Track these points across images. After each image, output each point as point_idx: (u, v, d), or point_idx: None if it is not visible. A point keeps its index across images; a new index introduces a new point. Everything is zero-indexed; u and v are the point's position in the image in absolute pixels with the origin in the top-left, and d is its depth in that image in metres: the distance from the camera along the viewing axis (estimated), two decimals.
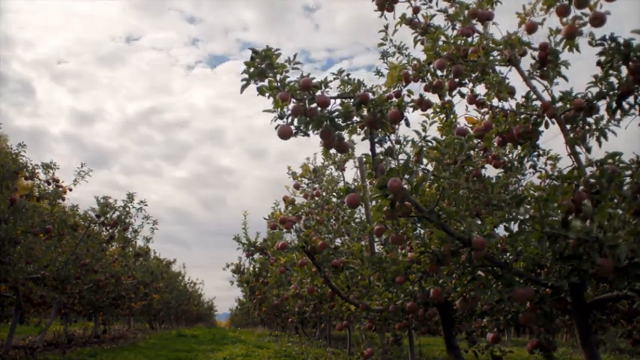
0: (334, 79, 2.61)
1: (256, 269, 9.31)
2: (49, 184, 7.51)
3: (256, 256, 6.85)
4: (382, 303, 4.26)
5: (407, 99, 3.23)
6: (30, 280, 7.43)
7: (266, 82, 2.43)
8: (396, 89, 3.46)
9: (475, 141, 3.17)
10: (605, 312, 5.13)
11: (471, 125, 3.32)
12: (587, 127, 2.82)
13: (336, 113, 2.48)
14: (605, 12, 2.60)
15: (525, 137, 3.04)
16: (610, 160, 2.36)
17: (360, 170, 6.63)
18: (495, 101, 3.17)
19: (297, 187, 6.16)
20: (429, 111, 3.26)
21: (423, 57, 3.36)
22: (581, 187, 2.28)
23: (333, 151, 3.46)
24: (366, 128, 2.63)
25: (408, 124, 2.62)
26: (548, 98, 2.92)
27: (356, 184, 6.27)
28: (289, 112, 2.44)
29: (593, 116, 2.81)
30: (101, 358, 8.27)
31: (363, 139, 2.66)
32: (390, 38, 3.65)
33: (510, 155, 3.48)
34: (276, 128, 2.43)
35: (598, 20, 2.61)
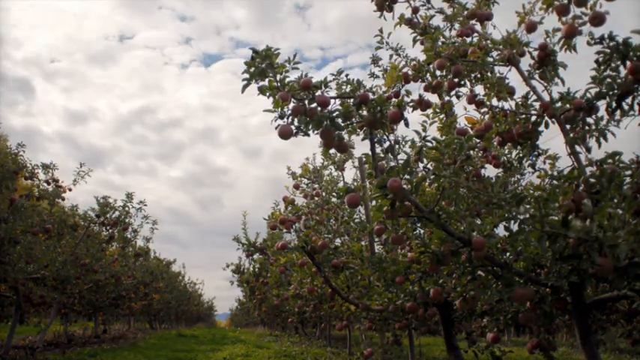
0: (334, 79, 2.61)
1: (256, 269, 9.31)
2: (48, 184, 7.51)
3: (256, 256, 6.85)
4: (382, 303, 4.26)
5: (406, 99, 3.23)
6: (30, 280, 7.43)
7: (266, 82, 2.43)
8: (395, 89, 3.47)
9: (475, 141, 3.17)
10: (605, 312, 5.12)
11: (470, 125, 3.32)
12: (586, 127, 2.82)
13: (336, 113, 2.48)
14: (605, 11, 2.60)
15: (525, 137, 3.04)
16: (610, 160, 2.36)
17: (360, 170, 6.63)
18: (495, 101, 3.17)
19: (296, 187, 6.16)
20: (429, 111, 3.27)
21: (420, 57, 3.37)
22: (581, 187, 2.28)
23: (332, 151, 3.46)
24: (365, 128, 2.63)
25: (407, 125, 2.62)
26: (547, 98, 2.92)
27: (356, 184, 6.27)
28: (289, 112, 2.44)
29: (593, 116, 2.81)
30: (101, 358, 8.27)
31: (362, 139, 2.67)
32: (386, 40, 3.66)
33: (510, 155, 3.48)
34: (276, 128, 2.43)
35: (598, 20, 2.60)
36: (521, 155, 3.36)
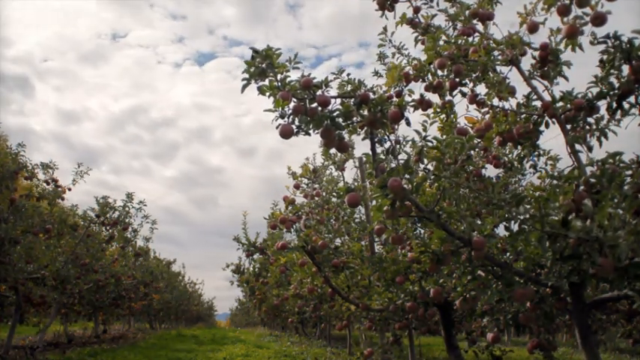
0: (335, 78, 2.61)
1: (256, 269, 9.31)
2: (48, 184, 7.51)
3: (256, 256, 6.85)
4: (382, 303, 4.26)
5: (407, 99, 3.24)
6: (30, 280, 7.43)
7: (267, 82, 2.43)
8: (396, 89, 3.47)
9: (475, 141, 3.17)
10: (605, 312, 5.13)
11: (471, 125, 3.32)
12: (587, 127, 2.82)
13: (337, 113, 2.48)
14: (607, 11, 2.60)
15: (526, 137, 3.04)
16: (610, 160, 2.36)
17: (360, 170, 6.63)
18: (496, 101, 3.17)
19: (297, 187, 6.16)
20: (430, 111, 3.27)
21: (421, 56, 3.37)
22: (582, 187, 2.28)
23: (333, 150, 3.46)
24: (366, 128, 2.62)
25: (408, 124, 2.62)
26: (548, 98, 2.92)
27: (356, 184, 6.27)
28: (290, 111, 2.44)
29: (594, 116, 2.81)
30: (101, 358, 8.27)
31: (363, 139, 2.66)
32: (390, 38, 3.65)
33: (511, 155, 3.48)
34: (277, 128, 2.43)
35: (599, 20, 2.60)
36: (522, 155, 3.36)
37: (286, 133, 2.43)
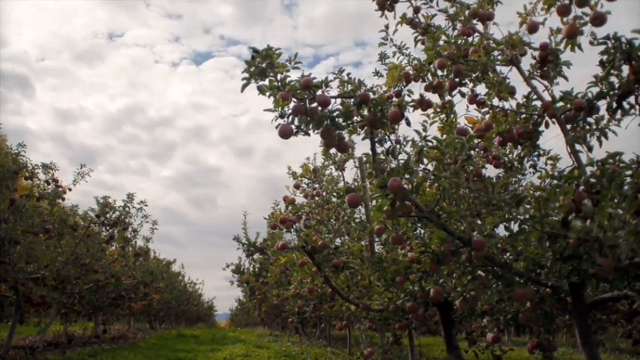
0: (335, 78, 2.61)
1: (256, 269, 9.31)
2: (48, 184, 7.51)
3: (256, 256, 6.85)
4: (382, 303, 4.26)
5: (407, 99, 3.24)
6: (30, 280, 7.42)
7: (267, 82, 2.43)
8: (396, 89, 3.46)
9: (475, 141, 3.17)
10: (605, 312, 5.13)
11: (471, 125, 3.33)
12: (587, 127, 2.82)
13: (337, 113, 2.48)
14: (606, 11, 2.60)
15: (526, 137, 3.04)
16: (610, 160, 2.36)
17: (360, 170, 6.63)
18: (496, 101, 3.17)
19: (297, 186, 6.16)
20: (430, 111, 3.27)
21: (421, 57, 3.37)
22: (582, 187, 2.28)
23: (333, 150, 3.46)
24: (366, 128, 2.63)
25: (408, 124, 2.62)
26: (548, 98, 2.92)
27: (356, 184, 6.26)
28: (290, 111, 2.44)
29: (594, 116, 2.81)
30: (101, 358, 8.27)
31: (363, 139, 2.67)
32: (391, 38, 3.65)
33: (510, 155, 3.48)
34: (277, 128, 2.43)
35: (599, 20, 2.60)
36: (522, 155, 3.36)
37: (286, 133, 2.43)
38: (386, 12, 3.32)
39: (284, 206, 5.85)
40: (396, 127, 2.75)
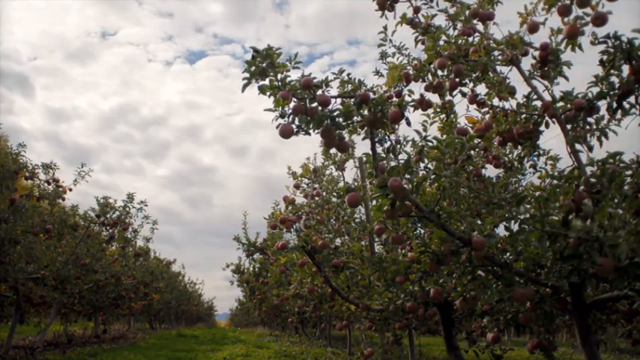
0: (335, 78, 2.61)
1: (256, 269, 9.31)
2: (48, 184, 7.52)
3: (256, 256, 6.85)
4: (382, 303, 4.26)
5: (407, 99, 3.24)
6: (30, 280, 7.43)
7: (267, 81, 2.43)
8: (396, 89, 3.47)
9: (475, 141, 3.17)
10: (605, 312, 5.12)
11: (471, 125, 3.33)
12: (587, 126, 2.82)
13: (337, 112, 2.48)
14: (607, 11, 2.60)
15: (526, 137, 3.04)
16: (611, 160, 2.36)
17: (360, 170, 6.63)
18: (496, 101, 3.17)
19: (297, 186, 6.16)
20: (430, 111, 3.27)
21: (421, 57, 3.37)
22: (582, 187, 2.28)
23: (333, 150, 3.46)
24: (366, 128, 2.63)
25: (409, 124, 2.62)
26: (548, 98, 2.92)
27: (356, 184, 6.27)
28: (290, 111, 2.44)
29: (594, 116, 2.81)
30: (101, 358, 8.27)
31: (363, 139, 2.67)
32: (390, 38, 3.65)
33: (511, 155, 3.48)
34: (277, 127, 2.43)
35: (600, 20, 2.60)
36: (522, 155, 3.36)
37: (286, 133, 2.43)
38: (386, 12, 3.32)
39: (284, 206, 5.85)
40: (396, 127, 2.75)
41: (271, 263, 6.07)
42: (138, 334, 17.17)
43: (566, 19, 2.75)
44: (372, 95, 2.54)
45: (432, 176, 2.53)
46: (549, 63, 2.97)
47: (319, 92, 2.47)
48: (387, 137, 2.67)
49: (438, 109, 3.36)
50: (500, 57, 3.08)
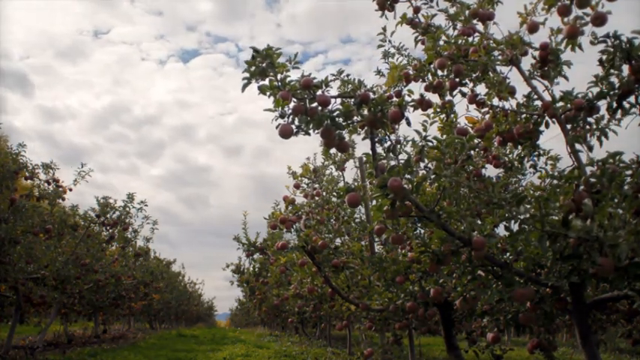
0: (335, 78, 2.61)
1: (256, 269, 9.31)
2: (49, 184, 7.52)
3: (256, 256, 6.85)
4: (382, 303, 4.26)
5: (407, 99, 3.24)
6: (30, 280, 7.43)
7: (267, 82, 2.43)
8: (396, 89, 3.47)
9: (475, 141, 3.17)
10: (605, 312, 5.12)
11: (471, 125, 3.33)
12: (587, 126, 2.82)
13: (337, 112, 2.48)
14: (607, 11, 2.60)
15: (526, 137, 3.04)
16: (611, 160, 2.36)
17: (360, 170, 6.63)
18: (496, 101, 3.17)
19: (297, 186, 6.16)
20: (430, 111, 3.27)
21: (420, 56, 3.37)
22: (582, 187, 2.28)
23: (333, 150, 3.46)
24: (366, 128, 2.63)
25: (409, 124, 2.62)
26: (548, 98, 2.92)
27: (356, 184, 6.27)
28: (290, 111, 2.44)
29: (594, 116, 2.81)
30: (101, 358, 8.27)
31: (363, 139, 2.67)
32: (389, 39, 3.66)
33: (510, 155, 3.48)
34: (277, 127, 2.43)
35: (599, 20, 2.60)
36: (522, 155, 3.36)
37: (286, 133, 2.43)
38: (386, 12, 3.32)
39: (284, 206, 5.85)
40: (396, 127, 2.75)
41: (271, 263, 6.08)
42: (138, 334, 17.17)
43: (565, 19, 2.75)
44: (372, 95, 2.54)
45: (432, 176, 2.53)
46: (549, 63, 2.97)
47: (319, 92, 2.47)
48: (387, 137, 2.67)
49: (438, 109, 3.36)
50: (500, 57, 3.08)
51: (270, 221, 5.79)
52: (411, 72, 3.41)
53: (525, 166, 3.53)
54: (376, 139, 2.65)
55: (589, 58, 2.78)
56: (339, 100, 2.55)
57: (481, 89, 3.26)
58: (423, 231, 3.30)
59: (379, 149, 2.66)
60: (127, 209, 8.70)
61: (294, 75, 2.46)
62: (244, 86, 2.44)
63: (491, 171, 5.23)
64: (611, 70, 2.63)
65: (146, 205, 9.01)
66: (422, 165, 2.64)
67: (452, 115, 3.36)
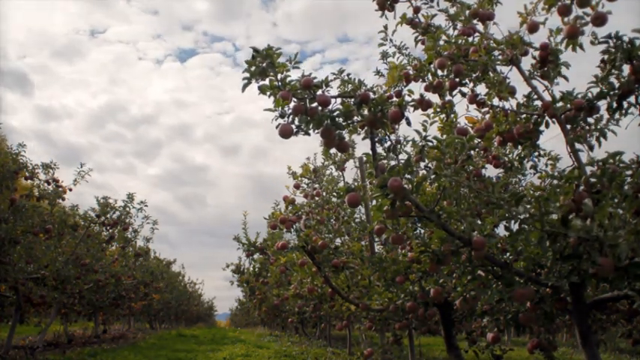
0: (335, 78, 2.61)
1: (256, 269, 9.31)
2: (48, 184, 7.51)
3: (256, 256, 6.85)
4: (382, 303, 4.26)
5: (407, 98, 3.24)
6: (30, 280, 7.42)
7: (267, 82, 2.43)
8: (396, 89, 3.47)
9: (475, 141, 3.17)
10: (605, 312, 5.12)
11: (471, 125, 3.33)
12: (587, 127, 2.82)
13: (337, 112, 2.48)
14: (607, 11, 2.60)
15: (526, 137, 3.04)
16: (611, 160, 2.36)
17: (360, 170, 6.63)
18: (496, 101, 3.17)
19: (297, 186, 6.16)
20: (430, 111, 3.27)
21: (420, 56, 3.37)
22: (582, 187, 2.28)
23: (333, 150, 3.46)
24: (366, 128, 2.63)
25: (409, 124, 2.62)
26: (548, 98, 2.92)
27: (356, 184, 6.27)
28: (290, 111, 2.44)
29: (594, 116, 2.81)
30: (101, 358, 8.27)
31: (363, 139, 2.67)
32: (390, 38, 3.66)
33: (510, 155, 3.48)
34: (277, 127, 2.43)
35: (600, 20, 2.60)
36: (522, 155, 3.36)
37: (286, 133, 2.43)
38: (386, 12, 3.32)
39: (284, 206, 5.85)
40: (396, 127, 2.75)
41: (271, 263, 6.07)
42: (138, 334, 17.16)
43: (566, 19, 2.75)
44: (372, 95, 2.54)
45: (432, 176, 2.53)
46: (549, 63, 2.97)
47: (319, 92, 2.47)
48: (387, 137, 2.67)
49: (438, 109, 3.36)
50: (500, 57, 3.08)
51: (270, 221, 5.79)
52: (411, 72, 3.41)
53: (525, 166, 3.53)
54: (376, 139, 2.65)
55: (589, 57, 2.78)
56: (339, 100, 2.55)
57: (481, 89, 3.27)
58: (423, 231, 3.30)
59: (379, 149, 2.66)
60: (127, 209, 8.70)
61: (294, 75, 2.46)
62: (244, 86, 2.44)
63: (491, 171, 5.23)
64: (612, 71, 2.63)
65: (146, 206, 9.02)
66: (422, 165, 2.64)
67: (452, 115, 3.36)
